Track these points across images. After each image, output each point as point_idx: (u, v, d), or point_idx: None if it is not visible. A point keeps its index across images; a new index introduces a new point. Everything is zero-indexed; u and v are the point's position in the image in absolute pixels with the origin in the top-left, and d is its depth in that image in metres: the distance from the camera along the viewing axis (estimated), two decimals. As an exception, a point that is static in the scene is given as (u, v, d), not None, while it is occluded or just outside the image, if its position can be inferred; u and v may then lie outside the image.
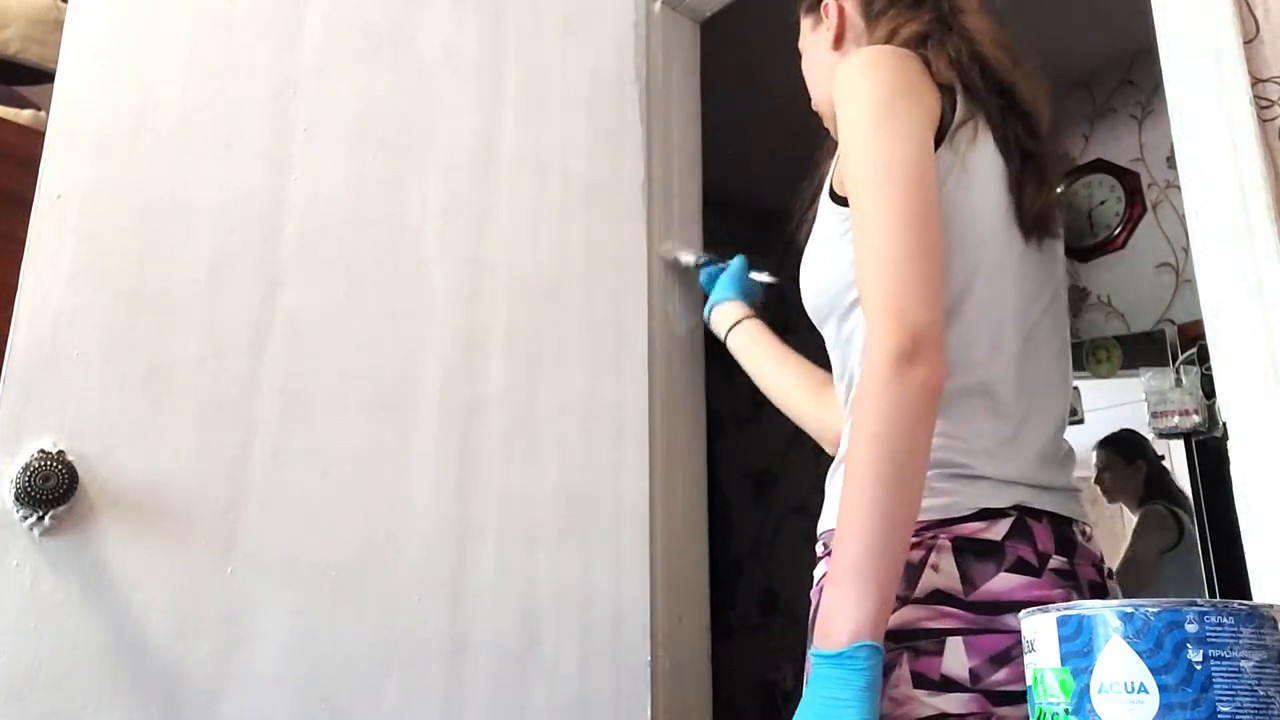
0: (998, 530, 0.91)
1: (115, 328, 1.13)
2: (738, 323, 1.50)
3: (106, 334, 1.12)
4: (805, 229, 1.11)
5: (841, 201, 1.00)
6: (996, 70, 1.03)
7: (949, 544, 0.90)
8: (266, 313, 1.24)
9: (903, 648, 0.87)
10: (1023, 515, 0.93)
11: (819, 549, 1.02)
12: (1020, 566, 0.90)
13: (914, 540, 0.89)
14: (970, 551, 0.90)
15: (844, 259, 0.99)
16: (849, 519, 0.83)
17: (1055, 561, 0.93)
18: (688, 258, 1.68)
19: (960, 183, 0.97)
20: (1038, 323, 1.02)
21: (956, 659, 0.86)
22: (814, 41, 1.20)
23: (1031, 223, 1.01)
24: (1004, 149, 1.00)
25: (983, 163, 0.99)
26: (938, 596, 0.88)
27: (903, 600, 0.88)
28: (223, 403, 1.18)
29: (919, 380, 0.83)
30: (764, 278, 1.58)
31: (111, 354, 1.12)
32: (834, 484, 1.02)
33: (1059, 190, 2.58)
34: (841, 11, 1.15)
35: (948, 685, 0.86)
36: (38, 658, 1.01)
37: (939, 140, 0.96)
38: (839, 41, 1.15)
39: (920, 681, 0.86)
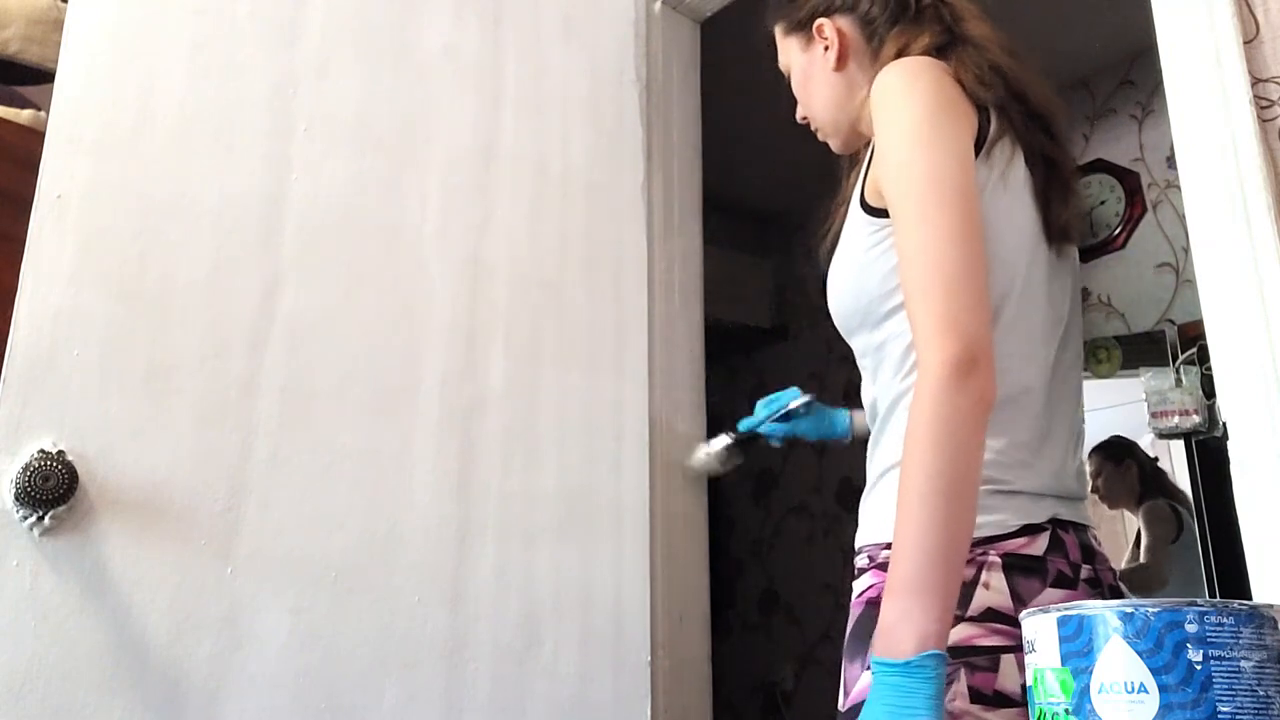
0: (1039, 545, 0.94)
1: (115, 328, 1.13)
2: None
3: (106, 334, 1.12)
4: (830, 240, 1.11)
5: (874, 212, 1.00)
6: (1010, 77, 1.03)
7: (999, 561, 0.92)
8: (266, 313, 1.24)
9: (959, 663, 0.89)
10: (1056, 528, 0.95)
11: (861, 561, 1.02)
12: (1060, 580, 0.93)
13: (966, 558, 0.91)
14: (1018, 568, 0.92)
15: (878, 269, 0.99)
16: (908, 531, 0.83)
17: (1084, 571, 0.96)
18: (734, 459, 1.59)
19: (997, 197, 0.98)
20: (1064, 333, 1.04)
21: (1010, 676, 0.88)
22: (809, 61, 1.18)
23: (1057, 231, 1.02)
24: (1030, 159, 1.01)
25: (1017, 178, 1.00)
26: (990, 615, 0.90)
27: (958, 618, 0.90)
28: (223, 403, 1.18)
29: (977, 392, 0.84)
30: (799, 402, 1.51)
31: (111, 354, 1.12)
32: (873, 499, 1.03)
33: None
34: (841, 33, 1.13)
35: (1002, 701, 0.88)
36: (38, 658, 1.01)
37: (975, 151, 0.97)
38: (842, 62, 1.14)
39: (976, 697, 0.88)
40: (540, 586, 1.40)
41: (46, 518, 1.03)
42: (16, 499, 1.01)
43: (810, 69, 1.18)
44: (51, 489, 1.03)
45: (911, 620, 0.79)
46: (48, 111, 1.13)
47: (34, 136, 1.18)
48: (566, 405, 1.49)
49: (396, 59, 1.44)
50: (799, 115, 1.23)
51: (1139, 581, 2.41)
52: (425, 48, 1.48)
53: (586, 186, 1.61)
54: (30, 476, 1.02)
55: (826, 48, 1.14)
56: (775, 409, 1.51)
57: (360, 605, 1.24)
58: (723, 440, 1.60)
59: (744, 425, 1.55)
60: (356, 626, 1.23)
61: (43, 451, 1.04)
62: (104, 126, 1.16)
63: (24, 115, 1.29)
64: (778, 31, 1.22)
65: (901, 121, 0.95)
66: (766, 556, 3.37)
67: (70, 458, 1.05)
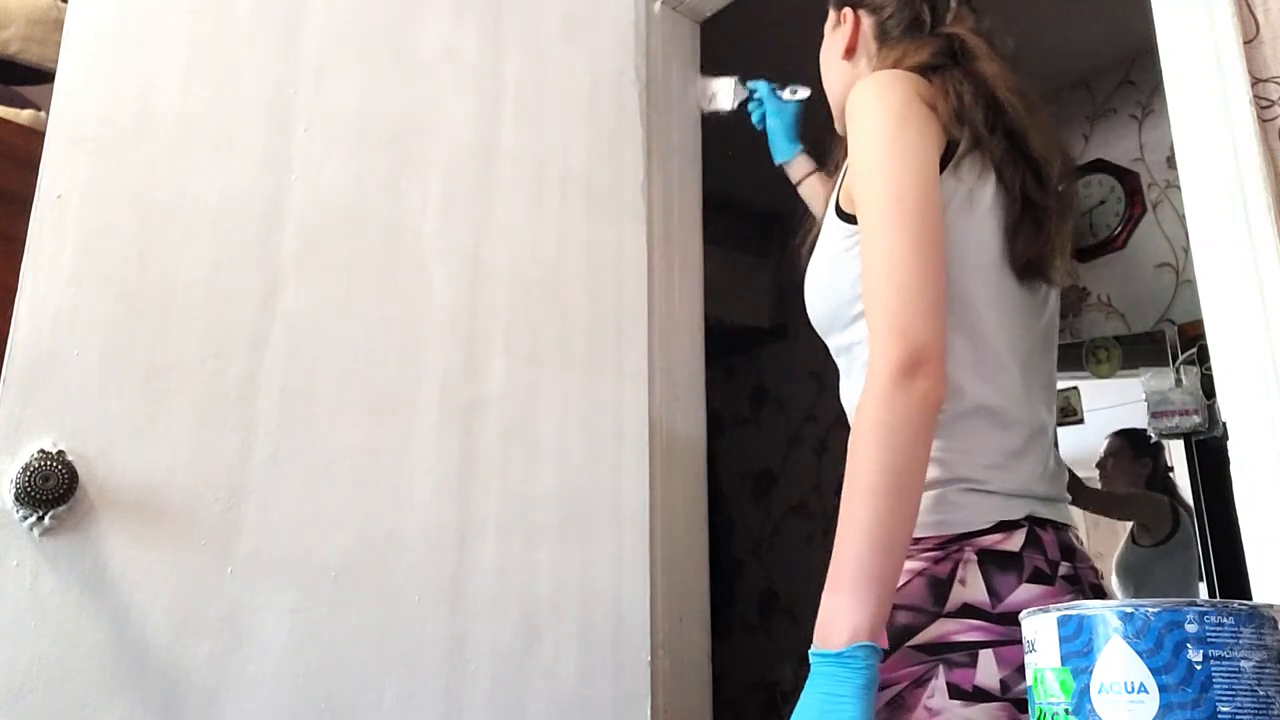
0: (1015, 541, 0.95)
1: (115, 328, 1.12)
2: (804, 178, 1.60)
3: (106, 334, 1.12)
4: (809, 243, 1.15)
5: (847, 218, 1.03)
6: (1009, 114, 1.04)
7: (974, 557, 0.93)
8: (266, 313, 1.24)
9: (938, 660, 0.90)
10: (1033, 525, 0.96)
11: None
12: (1037, 576, 0.94)
13: (940, 554, 0.93)
14: (994, 564, 0.93)
15: (849, 273, 1.02)
16: (848, 526, 0.86)
17: (1063, 568, 0.97)
18: (724, 101, 1.76)
19: (963, 212, 1.00)
20: (1032, 347, 1.06)
21: (988, 671, 0.90)
22: (831, 39, 1.24)
23: (1023, 267, 1.03)
24: (1007, 191, 1.03)
25: (985, 198, 1.02)
26: (967, 610, 0.92)
27: (935, 614, 0.92)
28: (223, 403, 1.18)
29: (920, 394, 0.87)
30: (797, 94, 1.65)
31: (111, 354, 1.12)
32: None
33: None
34: (857, 24, 1.19)
35: (980, 696, 0.89)
36: (38, 658, 1.01)
37: (942, 166, 0.99)
38: (849, 53, 1.19)
39: (955, 692, 0.90)
40: (540, 586, 1.40)
41: (46, 518, 1.03)
42: (16, 499, 1.01)
43: (830, 48, 1.24)
44: (51, 489, 1.02)
45: (846, 613, 0.82)
46: (48, 111, 1.13)
47: (34, 136, 1.18)
48: (566, 405, 1.49)
49: (396, 59, 1.44)
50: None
51: (1140, 571, 2.40)
52: (425, 48, 1.47)
53: (586, 186, 1.61)
54: (30, 476, 1.02)
55: (842, 35, 1.20)
56: (775, 84, 1.65)
57: (360, 605, 1.24)
58: (729, 83, 1.76)
59: (751, 84, 1.70)
60: (356, 626, 1.23)
61: (43, 451, 1.04)
62: (104, 126, 1.16)
63: (24, 115, 1.29)
64: (831, 4, 1.28)
65: (869, 133, 0.98)
66: (766, 556, 3.37)
67: (70, 458, 1.05)
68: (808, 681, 0.84)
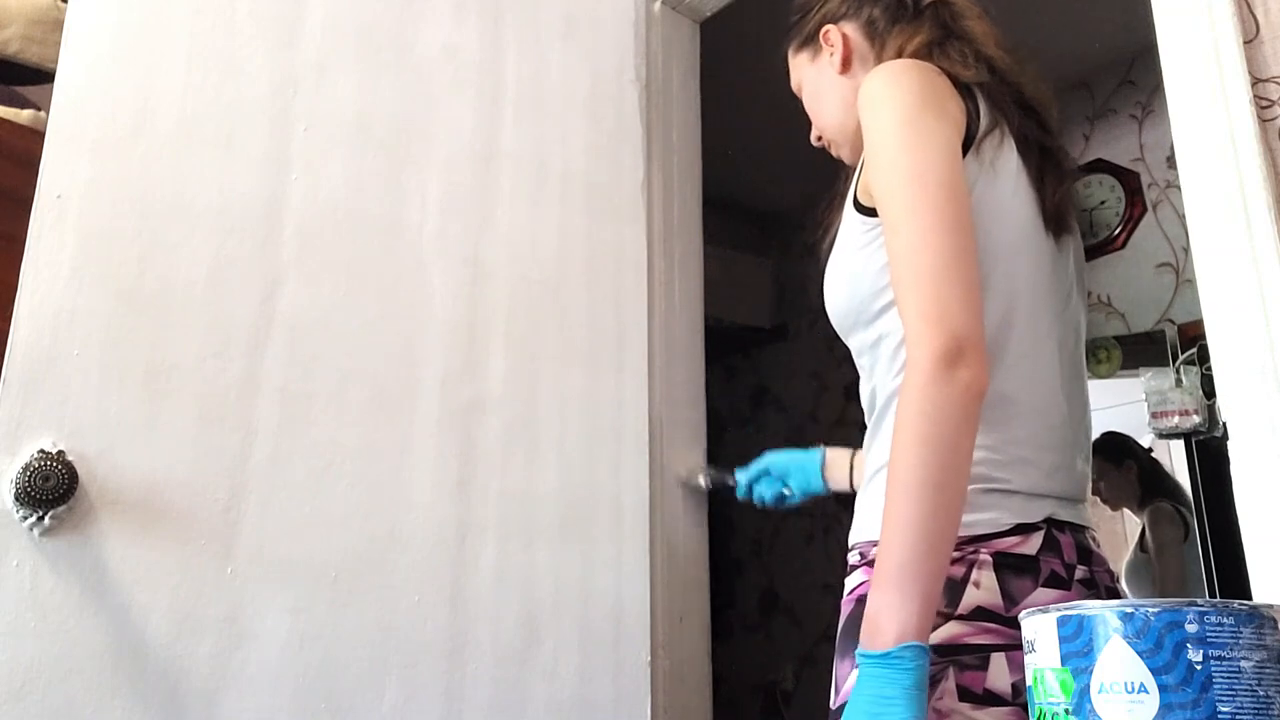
0: (1032, 545, 0.93)
1: (115, 328, 1.13)
2: (848, 460, 1.42)
3: (106, 334, 1.12)
4: (827, 240, 1.12)
5: (865, 211, 1.01)
6: (1003, 70, 1.05)
7: (989, 559, 0.92)
8: (266, 313, 1.24)
9: (948, 661, 0.89)
10: (1051, 528, 0.95)
11: (853, 558, 1.02)
12: (1053, 580, 0.93)
13: (955, 555, 0.91)
14: (1009, 567, 0.92)
15: (871, 267, 1.00)
16: (893, 523, 0.84)
17: (1079, 572, 0.95)
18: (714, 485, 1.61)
19: (990, 187, 0.98)
20: (1065, 329, 1.04)
21: (999, 674, 0.89)
22: (817, 71, 1.20)
23: (1052, 214, 1.02)
24: (1022, 146, 1.02)
25: (1009, 165, 1.01)
26: (980, 613, 0.90)
27: (947, 616, 0.90)
28: (223, 403, 1.19)
29: (963, 383, 0.84)
30: (729, 480, 1.52)
31: (111, 354, 1.12)
32: (866, 496, 1.03)
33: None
34: (845, 37, 1.16)
35: (991, 699, 0.88)
36: (38, 658, 1.01)
37: (964, 149, 0.97)
38: (846, 66, 1.16)
39: (965, 695, 0.88)
40: (540, 587, 1.40)
41: (46, 518, 1.03)
42: (16, 499, 1.01)
43: (819, 79, 1.19)
44: (51, 489, 1.03)
45: (892, 612, 0.80)
46: (48, 111, 1.13)
47: (34, 136, 1.18)
48: (566, 405, 1.49)
49: (396, 59, 1.44)
50: (813, 136, 1.24)
51: (1147, 576, 2.40)
52: (425, 48, 1.48)
53: (586, 186, 1.61)
54: (30, 476, 1.02)
55: (832, 53, 1.16)
56: (756, 473, 1.46)
57: (360, 605, 1.24)
58: (705, 478, 1.62)
59: (740, 476, 1.49)
60: (356, 626, 1.23)
61: (43, 451, 1.04)
62: (104, 126, 1.16)
63: (24, 115, 1.29)
64: (790, 53, 1.24)
65: (885, 122, 0.95)
66: (766, 556, 3.37)
67: (70, 458, 1.05)
68: (855, 683, 0.82)
